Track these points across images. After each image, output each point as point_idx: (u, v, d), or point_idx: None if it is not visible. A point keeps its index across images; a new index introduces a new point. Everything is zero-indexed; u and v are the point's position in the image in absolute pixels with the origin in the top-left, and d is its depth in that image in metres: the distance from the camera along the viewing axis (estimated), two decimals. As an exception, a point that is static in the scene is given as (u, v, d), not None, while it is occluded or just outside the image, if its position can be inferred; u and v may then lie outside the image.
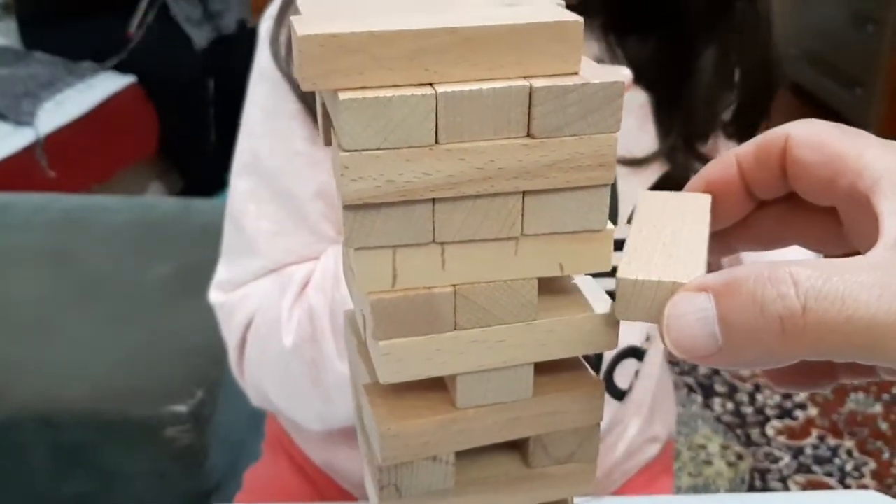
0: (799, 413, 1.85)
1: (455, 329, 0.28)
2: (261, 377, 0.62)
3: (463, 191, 0.26)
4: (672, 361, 0.66)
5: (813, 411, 1.86)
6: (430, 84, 0.25)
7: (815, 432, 1.79)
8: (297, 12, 0.27)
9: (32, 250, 1.33)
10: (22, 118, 1.90)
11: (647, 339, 0.65)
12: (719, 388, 1.92)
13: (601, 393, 0.31)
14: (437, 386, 0.31)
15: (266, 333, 0.60)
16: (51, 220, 1.43)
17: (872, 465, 1.70)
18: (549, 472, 0.32)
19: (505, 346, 0.29)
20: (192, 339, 1.03)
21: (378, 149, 0.25)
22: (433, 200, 0.26)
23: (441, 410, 0.30)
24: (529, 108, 0.26)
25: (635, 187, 0.57)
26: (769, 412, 1.85)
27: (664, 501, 0.59)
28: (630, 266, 0.27)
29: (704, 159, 0.58)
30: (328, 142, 0.30)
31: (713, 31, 0.57)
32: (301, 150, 0.61)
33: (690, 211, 0.31)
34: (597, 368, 0.62)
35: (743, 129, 0.61)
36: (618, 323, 0.30)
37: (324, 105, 0.29)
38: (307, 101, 0.60)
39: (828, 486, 1.65)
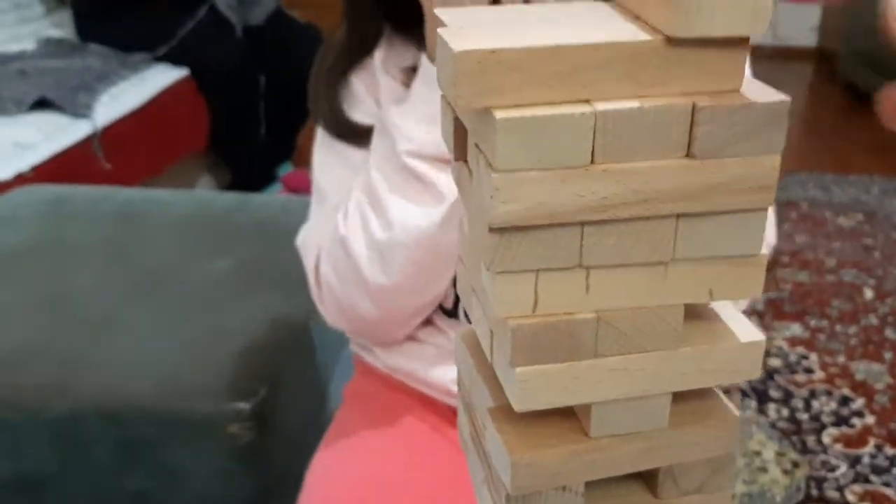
0: (856, 420, 1.81)
1: (595, 357, 0.27)
2: (329, 281, 0.73)
3: (616, 213, 0.25)
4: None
5: (870, 419, 1.81)
6: (587, 101, 0.24)
7: (872, 441, 1.75)
8: (441, 24, 0.26)
9: (92, 243, 1.34)
10: (79, 111, 1.91)
11: None
12: (774, 393, 1.88)
13: (737, 423, 0.30)
14: (566, 413, 0.29)
15: (331, 244, 0.73)
16: (109, 213, 1.44)
17: (933, 476, 1.66)
18: (676, 503, 0.31)
19: (644, 375, 0.27)
20: (255, 336, 1.03)
21: (532, 169, 0.24)
22: (582, 223, 0.25)
23: (573, 440, 0.29)
24: (691, 127, 0.24)
25: None
26: (825, 419, 1.81)
27: None
28: None
29: None
30: (460, 157, 0.28)
31: None
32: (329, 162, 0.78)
33: None
34: None
35: None
36: (763, 351, 0.28)
37: (456, 119, 0.28)
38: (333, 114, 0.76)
39: (886, 497, 1.61)
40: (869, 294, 2.31)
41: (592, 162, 0.24)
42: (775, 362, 1.99)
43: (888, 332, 2.13)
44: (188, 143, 2.36)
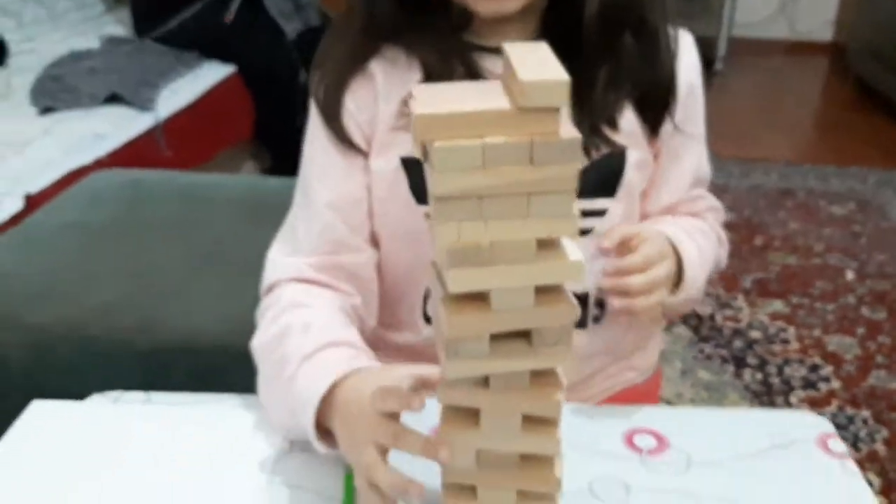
0: (822, 385, 2.04)
1: (491, 265, 0.53)
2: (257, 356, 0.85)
3: (497, 191, 0.50)
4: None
5: (836, 384, 2.05)
6: (481, 137, 0.50)
7: (835, 402, 1.98)
8: (409, 96, 0.51)
9: (163, 219, 1.62)
10: (144, 104, 2.20)
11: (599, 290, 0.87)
12: (751, 360, 2.12)
13: (574, 304, 0.55)
14: (480, 296, 0.55)
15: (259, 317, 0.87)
16: (175, 194, 1.72)
17: (885, 433, 1.89)
18: (543, 350, 0.56)
19: (517, 275, 0.53)
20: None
21: (453, 170, 0.50)
22: (480, 196, 0.51)
23: (482, 309, 0.54)
24: (531, 150, 0.50)
25: None
26: (794, 383, 2.04)
27: (626, 411, 0.83)
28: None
29: (612, 143, 0.83)
30: (425, 159, 0.54)
31: (605, 56, 0.81)
32: (319, 162, 0.87)
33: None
34: None
35: (649, 119, 0.85)
36: (583, 266, 0.54)
37: (424, 144, 0.54)
38: (329, 121, 0.85)
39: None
40: (850, 276, 2.54)
41: (483, 166, 0.50)
42: (755, 334, 2.23)
43: (863, 310, 2.36)
44: (236, 132, 2.65)
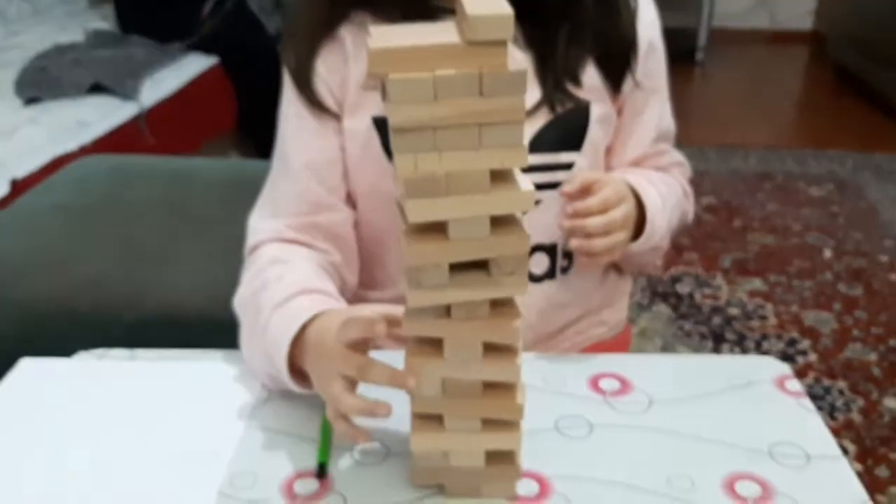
0: (800, 358, 2.08)
1: (446, 195, 0.56)
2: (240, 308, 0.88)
3: (449, 122, 0.54)
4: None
5: (813, 357, 2.09)
6: (432, 70, 0.53)
7: (812, 374, 2.02)
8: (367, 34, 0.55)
9: (148, 200, 1.64)
10: (128, 94, 2.22)
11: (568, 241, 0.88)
12: (729, 336, 2.16)
13: (526, 236, 0.58)
14: (439, 226, 0.58)
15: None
16: (160, 177, 1.74)
17: (861, 402, 1.93)
18: (500, 280, 0.60)
19: (472, 204, 0.56)
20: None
21: (407, 102, 0.53)
22: (434, 128, 0.54)
23: (440, 240, 0.58)
24: (481, 82, 0.53)
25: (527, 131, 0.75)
26: (772, 357, 2.08)
27: (585, 359, 0.87)
28: None
29: (576, 98, 0.85)
30: (383, 99, 0.57)
31: (565, 15, 0.84)
32: (294, 126, 0.91)
33: None
34: None
35: (611, 76, 0.88)
36: (532, 196, 0.57)
37: (382, 81, 0.57)
38: (300, 87, 0.89)
39: (818, 419, 1.89)
40: (828, 254, 2.58)
41: (435, 98, 0.53)
42: (734, 311, 2.27)
43: (840, 287, 2.40)
44: (219, 121, 2.67)
